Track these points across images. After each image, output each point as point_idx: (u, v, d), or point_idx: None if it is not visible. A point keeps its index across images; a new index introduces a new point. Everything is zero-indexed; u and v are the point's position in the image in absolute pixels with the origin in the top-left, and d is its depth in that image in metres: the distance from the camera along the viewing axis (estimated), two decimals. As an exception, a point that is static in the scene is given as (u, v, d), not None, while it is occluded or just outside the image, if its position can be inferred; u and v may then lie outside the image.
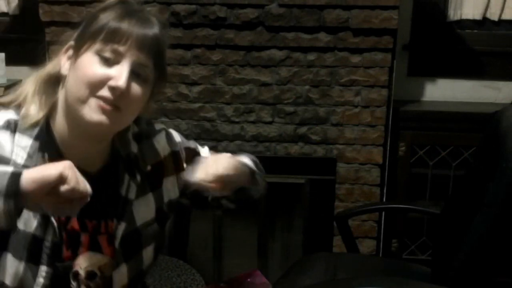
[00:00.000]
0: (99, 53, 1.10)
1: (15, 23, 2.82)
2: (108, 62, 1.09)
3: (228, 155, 1.23)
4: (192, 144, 1.39)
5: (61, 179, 0.95)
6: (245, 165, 1.28)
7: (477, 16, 2.75)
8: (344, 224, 2.18)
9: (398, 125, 2.62)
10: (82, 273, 1.17)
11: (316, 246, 2.56)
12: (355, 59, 2.45)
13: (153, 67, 1.13)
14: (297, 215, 2.68)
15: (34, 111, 1.14)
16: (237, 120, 2.53)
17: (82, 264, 1.17)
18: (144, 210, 1.24)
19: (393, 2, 2.36)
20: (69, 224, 1.15)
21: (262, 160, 2.60)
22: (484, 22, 2.78)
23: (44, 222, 1.11)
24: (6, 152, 1.09)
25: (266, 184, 1.42)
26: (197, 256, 2.69)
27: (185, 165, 1.30)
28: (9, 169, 0.98)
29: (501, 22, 2.77)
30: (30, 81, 1.18)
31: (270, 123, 2.53)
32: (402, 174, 2.68)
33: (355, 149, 2.53)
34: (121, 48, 1.09)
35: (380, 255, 2.66)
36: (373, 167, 2.55)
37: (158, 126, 1.33)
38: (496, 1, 2.74)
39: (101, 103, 1.08)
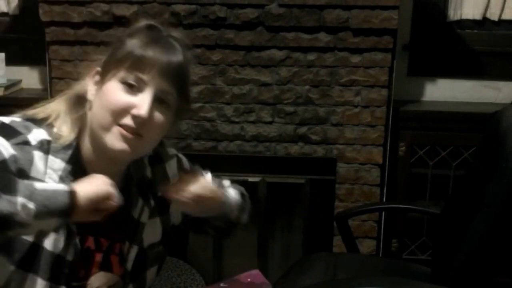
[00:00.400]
0: (123, 81, 1.11)
1: (15, 23, 2.82)
2: (132, 90, 1.11)
3: (210, 186, 1.26)
4: (198, 170, 1.40)
5: (108, 194, 1.04)
6: (226, 196, 1.31)
7: (477, 16, 2.75)
8: (344, 224, 2.18)
9: (398, 125, 2.62)
10: None
11: (316, 246, 2.56)
12: (355, 59, 2.45)
13: (176, 94, 1.15)
14: (297, 215, 2.68)
15: (66, 132, 1.15)
16: (237, 120, 2.53)
17: (94, 283, 1.19)
18: (151, 232, 1.27)
19: (393, 2, 2.36)
20: (85, 243, 1.16)
21: (262, 160, 2.62)
22: (484, 22, 2.78)
23: (68, 242, 1.12)
24: (40, 174, 1.10)
25: (250, 213, 1.45)
26: (197, 256, 2.69)
27: None
28: (64, 187, 1.02)
29: (501, 22, 2.77)
30: (60, 100, 1.19)
31: (270, 123, 2.53)
32: (402, 174, 2.68)
33: (355, 149, 2.53)
34: (145, 77, 1.11)
35: (380, 255, 2.66)
36: (373, 167, 2.55)
37: (171, 151, 1.36)
38: (496, 1, 2.74)
39: (123, 131, 1.10)
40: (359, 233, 2.57)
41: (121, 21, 2.42)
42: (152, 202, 1.26)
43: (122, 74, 1.11)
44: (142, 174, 1.26)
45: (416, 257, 2.72)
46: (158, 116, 1.12)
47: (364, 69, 2.46)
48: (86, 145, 1.16)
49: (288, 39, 2.44)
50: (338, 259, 2.10)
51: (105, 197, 1.04)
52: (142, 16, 2.41)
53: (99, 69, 1.16)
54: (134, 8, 2.41)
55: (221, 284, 1.47)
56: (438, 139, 2.65)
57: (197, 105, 2.51)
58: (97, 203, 1.03)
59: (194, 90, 2.50)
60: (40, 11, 2.42)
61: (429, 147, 2.66)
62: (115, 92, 1.11)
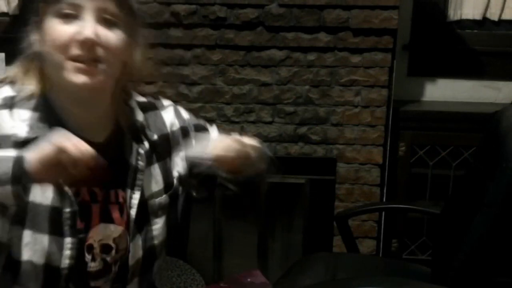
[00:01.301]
0: (58, 14, 1.07)
1: (15, 23, 2.82)
2: (70, 19, 1.07)
3: (235, 138, 1.17)
4: (201, 121, 1.37)
5: (60, 150, 0.95)
6: (254, 149, 1.18)
7: (477, 16, 2.75)
8: (344, 224, 2.18)
9: (398, 125, 2.62)
10: (96, 246, 1.15)
11: (316, 246, 2.56)
12: (355, 59, 2.45)
13: (119, 9, 1.09)
14: (297, 215, 2.68)
15: (29, 84, 1.14)
16: (237, 120, 2.53)
17: (96, 237, 1.15)
18: (151, 181, 1.23)
19: (393, 2, 2.36)
20: (80, 196, 1.13)
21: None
22: (484, 22, 2.77)
23: (60, 192, 1.10)
24: (6, 130, 1.08)
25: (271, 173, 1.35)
26: (197, 256, 2.69)
27: (193, 142, 1.29)
28: (11, 153, 0.99)
29: (501, 22, 2.77)
30: (19, 62, 1.19)
31: (270, 123, 2.53)
32: (402, 174, 2.68)
33: (355, 149, 2.53)
34: (78, 1, 1.06)
35: (380, 255, 2.66)
36: (373, 167, 2.55)
37: (166, 101, 1.33)
38: (496, 1, 2.74)
39: (77, 64, 1.06)
40: (359, 233, 2.57)
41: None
42: (147, 146, 1.21)
43: (55, 8, 1.07)
44: (132, 119, 1.22)
45: (416, 257, 2.72)
46: (106, 34, 1.08)
47: (364, 69, 2.46)
48: (57, 95, 1.13)
49: (288, 39, 2.44)
50: (338, 259, 2.10)
51: (54, 154, 0.95)
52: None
53: (34, 17, 1.13)
54: (134, 8, 2.40)
55: (221, 284, 1.47)
56: (438, 139, 2.65)
57: (197, 105, 2.51)
58: (46, 162, 0.96)
59: (194, 90, 2.50)
60: (40, 11, 2.42)
61: (429, 147, 2.66)
62: (54, 28, 1.07)
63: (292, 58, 2.46)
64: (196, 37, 2.43)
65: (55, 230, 1.10)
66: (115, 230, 1.17)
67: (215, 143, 1.16)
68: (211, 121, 2.50)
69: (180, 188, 1.29)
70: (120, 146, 1.19)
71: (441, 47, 2.78)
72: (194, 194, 1.35)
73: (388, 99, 2.50)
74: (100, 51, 1.07)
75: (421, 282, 1.70)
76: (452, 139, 2.64)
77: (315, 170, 2.54)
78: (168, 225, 1.27)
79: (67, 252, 1.11)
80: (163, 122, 1.28)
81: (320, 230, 2.61)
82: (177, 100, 2.49)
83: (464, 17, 2.76)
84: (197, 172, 1.25)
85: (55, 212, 1.10)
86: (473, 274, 1.60)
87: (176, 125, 1.30)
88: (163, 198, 1.25)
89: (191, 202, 2.12)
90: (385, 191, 2.61)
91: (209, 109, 2.52)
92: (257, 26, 2.43)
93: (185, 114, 1.34)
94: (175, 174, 1.28)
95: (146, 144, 1.21)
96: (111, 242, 1.16)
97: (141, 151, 1.20)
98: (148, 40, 1.20)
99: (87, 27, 1.05)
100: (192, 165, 1.25)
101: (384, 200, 2.62)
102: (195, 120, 1.36)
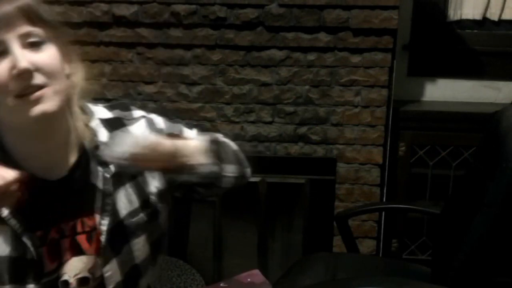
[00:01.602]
0: None
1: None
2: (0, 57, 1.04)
3: (172, 139, 1.13)
4: (176, 128, 1.31)
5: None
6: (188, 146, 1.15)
7: (477, 16, 2.75)
8: (344, 224, 2.18)
9: (398, 125, 2.62)
10: (73, 281, 1.14)
11: (316, 246, 2.56)
12: (355, 59, 2.45)
13: (37, 27, 1.06)
14: (297, 215, 2.68)
15: None
16: (237, 120, 2.53)
17: (71, 272, 1.14)
18: (125, 201, 1.19)
19: (393, 2, 2.36)
20: (48, 235, 1.11)
21: (262, 160, 2.62)
22: (484, 22, 2.78)
23: (17, 241, 1.08)
24: None
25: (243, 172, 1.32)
26: (197, 256, 2.69)
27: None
28: None
29: (501, 22, 2.77)
30: None
31: (270, 123, 2.53)
32: (402, 174, 2.68)
33: (355, 149, 2.53)
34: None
35: (380, 255, 2.66)
36: (373, 167, 2.55)
37: (137, 113, 1.27)
38: (496, 1, 2.74)
39: (26, 98, 1.03)
40: (359, 233, 2.57)
41: (121, 21, 2.42)
42: (113, 168, 1.16)
43: None
44: (95, 142, 1.17)
45: (416, 257, 2.72)
46: (39, 57, 1.05)
47: (364, 69, 2.46)
48: (10, 138, 1.10)
49: (288, 39, 2.44)
50: (338, 259, 2.10)
51: None
52: (142, 16, 2.42)
53: None
54: (134, 8, 2.40)
55: (221, 284, 1.47)
56: (438, 139, 2.65)
57: (197, 105, 2.51)
58: None
59: (194, 90, 2.50)
60: (40, 11, 2.42)
61: (429, 147, 2.66)
62: None
63: (292, 58, 2.46)
64: (196, 37, 2.43)
65: (17, 279, 1.09)
66: (88, 260, 1.15)
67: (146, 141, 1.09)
68: (211, 121, 2.52)
69: (160, 204, 1.25)
70: (86, 171, 1.16)
71: (441, 47, 2.78)
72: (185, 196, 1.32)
73: (388, 99, 2.50)
74: (40, 77, 1.04)
75: (421, 282, 1.70)
76: (452, 139, 2.64)
77: (315, 170, 2.54)
78: (149, 242, 1.23)
79: None
80: None
81: (320, 230, 2.61)
82: (177, 100, 2.51)
83: (464, 17, 2.76)
84: (175, 183, 1.24)
85: (14, 262, 1.08)
86: (473, 274, 1.60)
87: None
88: (140, 218, 1.21)
89: (191, 202, 2.13)
90: (385, 191, 2.61)
91: (209, 109, 2.52)
92: (257, 26, 2.43)
93: (159, 124, 1.27)
94: (152, 190, 1.24)
95: (112, 167, 1.16)
96: (87, 274, 1.15)
97: (107, 175, 1.17)
98: (76, 50, 1.16)
99: (18, 59, 1.02)
100: (170, 177, 1.22)
101: (384, 200, 2.62)
102: (170, 128, 1.29)
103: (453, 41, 2.79)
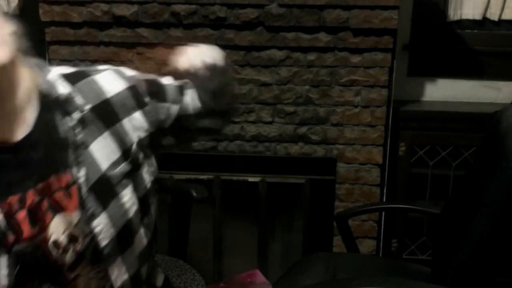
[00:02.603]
0: None
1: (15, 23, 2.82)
2: None
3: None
4: (151, 76, 1.30)
5: None
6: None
7: (477, 16, 2.75)
8: (344, 224, 2.18)
9: (398, 125, 2.62)
10: (62, 239, 1.10)
11: (316, 246, 2.56)
12: (355, 59, 2.45)
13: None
14: (297, 215, 2.68)
15: None
16: (237, 120, 2.53)
17: (58, 230, 1.10)
18: (104, 152, 1.15)
19: (393, 2, 2.36)
20: (26, 201, 1.07)
21: (262, 160, 2.62)
22: (484, 22, 2.78)
23: None
24: None
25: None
26: (197, 256, 2.69)
27: (147, 99, 1.22)
28: None
29: (501, 22, 2.77)
30: None
31: (270, 123, 2.53)
32: (402, 174, 2.68)
33: (355, 149, 2.53)
34: None
35: (380, 255, 2.66)
36: (373, 167, 2.55)
37: (103, 67, 1.22)
38: (496, 1, 2.74)
39: None
40: (359, 233, 2.57)
41: (121, 21, 2.42)
42: (78, 117, 1.12)
43: None
44: (56, 94, 1.12)
45: (416, 257, 2.72)
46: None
47: (364, 69, 2.46)
48: None
49: (288, 39, 2.44)
50: (338, 259, 2.10)
51: None
52: (142, 16, 2.42)
53: None
54: (134, 8, 2.41)
55: (221, 284, 1.47)
56: (438, 139, 2.65)
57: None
58: None
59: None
60: (40, 11, 2.43)
61: (429, 147, 2.66)
62: None
63: (292, 58, 2.46)
64: (196, 37, 2.43)
65: None
66: (72, 217, 1.11)
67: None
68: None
69: (142, 154, 1.22)
70: (50, 125, 1.11)
71: (441, 47, 2.78)
72: (165, 143, 1.32)
73: (388, 99, 2.50)
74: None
75: (421, 282, 1.70)
76: (452, 139, 2.64)
77: (315, 170, 2.55)
78: (136, 192, 1.19)
79: (2, 272, 1.06)
80: (98, 87, 1.18)
81: (320, 230, 2.61)
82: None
83: (464, 17, 2.76)
84: (170, 126, 1.27)
85: None
86: (473, 274, 1.60)
87: (119, 87, 1.20)
88: (123, 167, 1.17)
89: (191, 202, 2.13)
90: (385, 191, 2.61)
91: (209, 109, 2.52)
92: (257, 26, 2.43)
93: (128, 72, 1.24)
94: (134, 139, 1.20)
95: (77, 116, 1.12)
96: (74, 230, 1.11)
97: (71, 124, 1.12)
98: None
99: None
100: (163, 122, 1.26)
101: (384, 200, 2.62)
102: (143, 76, 1.27)
103: (453, 41, 2.79)
